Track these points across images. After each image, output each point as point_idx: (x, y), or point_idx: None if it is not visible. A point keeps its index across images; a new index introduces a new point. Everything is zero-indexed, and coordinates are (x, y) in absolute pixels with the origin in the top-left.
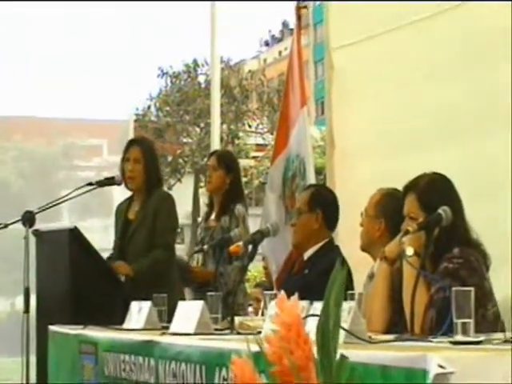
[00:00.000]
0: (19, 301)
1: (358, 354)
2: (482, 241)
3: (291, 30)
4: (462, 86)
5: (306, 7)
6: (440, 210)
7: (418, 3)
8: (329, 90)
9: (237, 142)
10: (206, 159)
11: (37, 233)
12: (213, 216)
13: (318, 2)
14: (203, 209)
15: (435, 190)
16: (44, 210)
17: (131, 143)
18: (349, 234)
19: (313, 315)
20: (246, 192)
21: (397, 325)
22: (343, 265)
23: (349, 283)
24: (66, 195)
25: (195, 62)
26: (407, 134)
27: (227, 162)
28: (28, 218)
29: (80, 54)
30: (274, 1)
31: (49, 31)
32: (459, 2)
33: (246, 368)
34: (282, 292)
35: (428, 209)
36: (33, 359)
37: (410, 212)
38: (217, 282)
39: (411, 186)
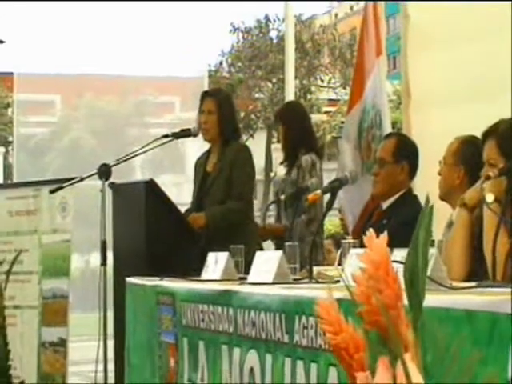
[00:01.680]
0: (94, 258)
1: (440, 299)
2: None
3: None
4: None
5: None
6: None
7: None
8: (404, 40)
9: (309, 96)
10: None
11: (113, 186)
12: (285, 170)
13: None
14: (276, 164)
15: None
16: (120, 162)
17: (205, 95)
18: (426, 184)
19: (395, 261)
20: None
21: (477, 273)
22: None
23: None
24: (142, 147)
25: (267, 17)
26: (483, 83)
27: (281, 116)
28: (104, 172)
29: (151, 11)
30: None
31: None
32: None
33: (331, 310)
34: (371, 230)
35: (508, 155)
36: (109, 314)
37: (490, 158)
38: (287, 235)
39: (490, 132)
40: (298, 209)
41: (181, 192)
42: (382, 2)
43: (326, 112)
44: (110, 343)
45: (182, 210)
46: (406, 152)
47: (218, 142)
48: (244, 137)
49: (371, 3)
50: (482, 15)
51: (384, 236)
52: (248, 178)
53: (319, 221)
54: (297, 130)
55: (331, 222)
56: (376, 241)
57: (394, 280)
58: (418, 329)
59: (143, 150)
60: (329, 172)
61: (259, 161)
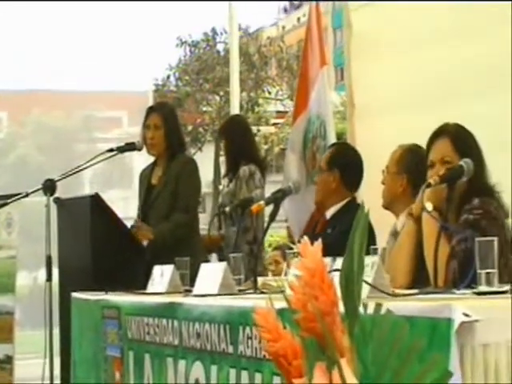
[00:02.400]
0: (41, 274)
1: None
2: None
3: None
4: (477, 45)
5: None
6: (462, 162)
7: None
8: (347, 50)
9: (257, 109)
10: None
11: (58, 201)
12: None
13: None
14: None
15: (465, 135)
16: (65, 177)
17: (151, 110)
18: (370, 193)
19: (336, 270)
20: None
21: (420, 280)
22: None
23: (371, 240)
24: (87, 162)
25: (214, 30)
26: (425, 92)
27: (224, 131)
28: (49, 186)
29: (97, 25)
30: None
31: (65, 3)
32: None
33: (269, 318)
34: (305, 237)
35: (463, 152)
36: (55, 332)
37: (445, 155)
38: (224, 244)
39: (441, 131)
40: (236, 218)
41: (128, 206)
42: (328, 14)
43: (274, 124)
44: (58, 360)
45: (130, 224)
46: (338, 160)
47: (165, 155)
48: (192, 150)
49: (314, 12)
50: (422, 25)
51: (319, 243)
52: (194, 190)
53: (254, 230)
54: (238, 143)
55: (279, 234)
56: (311, 248)
57: (329, 287)
58: (353, 334)
59: (88, 164)
60: (276, 184)
61: (208, 174)
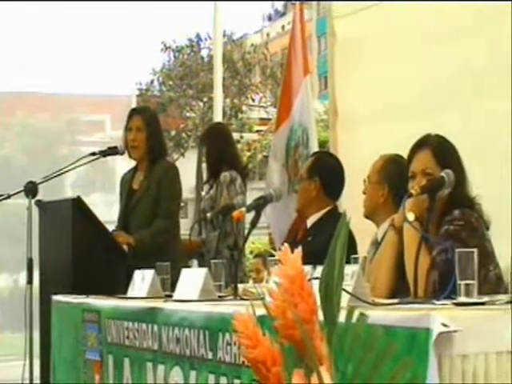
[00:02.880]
0: (23, 277)
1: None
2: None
3: (294, 4)
4: (460, 52)
5: None
6: (443, 174)
7: None
8: (331, 58)
9: (240, 116)
10: None
11: (39, 203)
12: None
13: None
14: None
15: (447, 147)
16: (47, 180)
17: (133, 112)
18: (352, 202)
19: (316, 278)
20: (249, 166)
21: (401, 290)
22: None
23: (352, 249)
24: (69, 165)
25: (198, 36)
26: (408, 101)
27: (204, 138)
28: (30, 189)
29: (83, 29)
30: None
31: (51, 6)
32: None
33: (248, 324)
34: (286, 244)
35: (444, 164)
36: (36, 335)
37: (427, 167)
38: (204, 249)
39: (423, 143)
40: (217, 224)
41: (111, 210)
42: (313, 22)
43: (258, 131)
44: (38, 362)
45: (112, 228)
46: (318, 168)
47: (146, 159)
48: (175, 155)
49: (298, 20)
50: (406, 33)
51: (299, 251)
52: (175, 196)
53: (235, 235)
54: (219, 150)
55: (261, 241)
56: (291, 256)
57: (308, 294)
58: (332, 342)
59: (70, 167)
60: (259, 191)
61: (190, 180)
